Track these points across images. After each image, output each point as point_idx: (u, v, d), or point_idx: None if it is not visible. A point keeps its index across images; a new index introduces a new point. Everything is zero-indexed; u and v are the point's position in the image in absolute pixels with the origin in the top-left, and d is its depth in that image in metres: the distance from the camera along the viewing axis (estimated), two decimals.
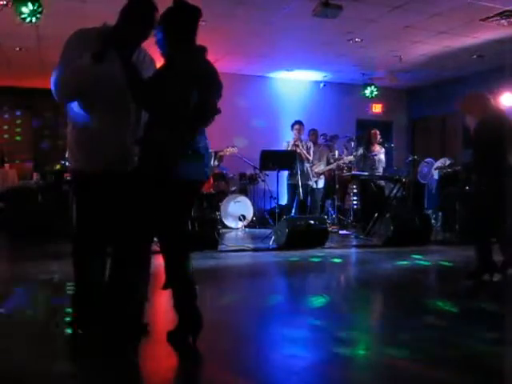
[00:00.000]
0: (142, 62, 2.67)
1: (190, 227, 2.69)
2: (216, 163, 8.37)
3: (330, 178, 8.87)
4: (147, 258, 2.67)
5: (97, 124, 2.55)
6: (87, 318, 2.66)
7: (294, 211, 8.05)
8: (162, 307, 3.39)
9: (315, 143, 8.45)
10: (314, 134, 8.55)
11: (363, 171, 8.02)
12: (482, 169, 4.71)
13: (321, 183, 8.35)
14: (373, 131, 8.32)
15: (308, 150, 8.15)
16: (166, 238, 2.61)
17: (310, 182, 8.06)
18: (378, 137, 8.31)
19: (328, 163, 8.54)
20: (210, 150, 2.71)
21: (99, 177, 2.57)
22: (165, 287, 2.58)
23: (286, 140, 8.19)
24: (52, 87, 2.51)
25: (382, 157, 8.25)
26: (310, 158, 8.11)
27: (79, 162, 2.63)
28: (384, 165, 8.31)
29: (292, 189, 7.98)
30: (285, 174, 8.02)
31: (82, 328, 2.67)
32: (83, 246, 2.67)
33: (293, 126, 8.09)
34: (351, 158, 8.67)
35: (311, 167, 8.11)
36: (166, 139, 2.42)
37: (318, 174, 8.27)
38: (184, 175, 2.47)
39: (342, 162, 8.70)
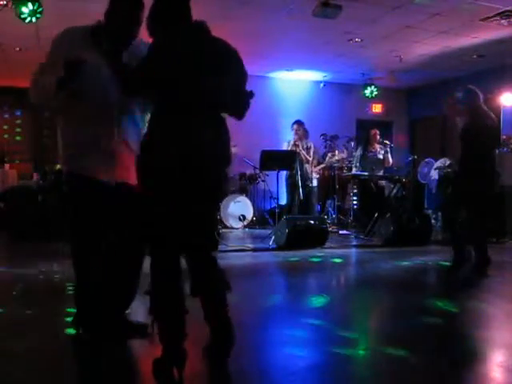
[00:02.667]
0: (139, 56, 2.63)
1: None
2: None
3: (329, 177, 8.88)
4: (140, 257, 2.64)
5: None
6: (89, 317, 2.65)
7: (294, 211, 8.06)
8: None
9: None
10: (298, 128, 8.43)
11: (363, 171, 8.02)
12: (463, 169, 4.83)
13: (314, 182, 8.36)
14: (372, 131, 8.32)
15: (308, 150, 8.16)
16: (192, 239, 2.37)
17: (310, 183, 8.07)
18: (378, 137, 8.31)
19: (318, 163, 8.56)
20: None
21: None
22: (193, 294, 2.36)
23: (287, 140, 8.20)
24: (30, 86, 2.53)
25: (382, 156, 8.24)
26: (310, 159, 8.11)
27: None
28: (389, 164, 8.28)
29: (292, 189, 7.99)
30: (284, 174, 8.03)
31: (85, 328, 2.66)
32: (81, 245, 2.65)
33: (292, 125, 8.11)
34: (343, 155, 8.68)
35: (310, 167, 8.12)
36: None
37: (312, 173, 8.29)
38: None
39: (334, 159, 8.69)
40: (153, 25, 2.36)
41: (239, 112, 2.45)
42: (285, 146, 8.08)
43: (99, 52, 2.51)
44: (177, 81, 2.21)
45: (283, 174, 7.97)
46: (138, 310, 3.08)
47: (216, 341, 2.37)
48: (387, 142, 8.44)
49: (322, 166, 8.67)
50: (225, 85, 2.32)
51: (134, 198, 2.38)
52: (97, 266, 2.62)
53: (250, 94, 2.43)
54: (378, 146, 8.28)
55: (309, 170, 8.10)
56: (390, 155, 8.26)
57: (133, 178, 2.37)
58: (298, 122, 8.11)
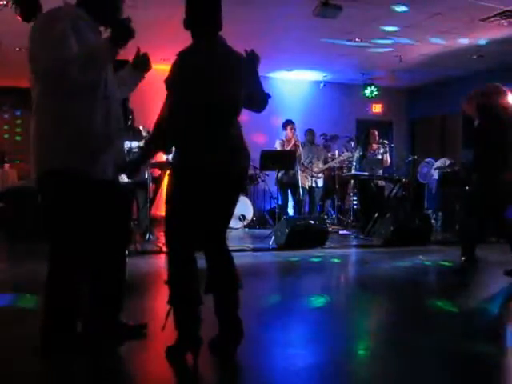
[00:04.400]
0: None
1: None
2: None
3: (330, 177, 8.87)
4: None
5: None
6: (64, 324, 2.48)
7: (292, 211, 8.06)
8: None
9: (312, 143, 8.44)
10: (310, 133, 8.52)
11: (363, 171, 8.02)
12: (481, 166, 4.75)
13: (320, 182, 8.36)
14: (371, 131, 8.32)
15: (305, 149, 8.15)
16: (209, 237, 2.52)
17: (308, 182, 8.06)
18: (377, 137, 8.30)
19: (325, 162, 8.54)
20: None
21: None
22: (206, 291, 2.48)
23: (280, 138, 8.15)
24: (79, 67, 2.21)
25: (381, 156, 8.24)
26: (303, 159, 8.09)
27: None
28: (387, 164, 8.28)
29: (283, 188, 7.95)
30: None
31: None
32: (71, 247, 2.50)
33: (286, 125, 8.08)
34: (349, 154, 8.67)
35: (308, 167, 8.10)
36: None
37: (317, 174, 8.27)
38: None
39: (340, 158, 8.69)
40: (190, 28, 2.51)
41: (258, 109, 2.72)
42: (278, 145, 8.03)
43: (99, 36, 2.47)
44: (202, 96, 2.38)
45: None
46: (135, 312, 3.08)
47: (223, 337, 2.47)
48: (386, 142, 8.44)
49: (329, 165, 8.62)
50: (240, 94, 2.50)
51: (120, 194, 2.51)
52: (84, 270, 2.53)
53: (268, 95, 2.68)
54: (376, 146, 8.28)
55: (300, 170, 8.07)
56: (388, 155, 8.25)
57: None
58: (293, 122, 8.09)
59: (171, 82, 2.42)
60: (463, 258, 5.06)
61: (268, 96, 2.67)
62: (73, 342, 2.46)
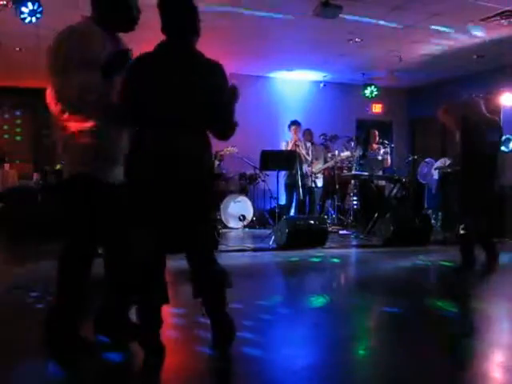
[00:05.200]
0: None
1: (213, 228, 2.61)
2: (217, 163, 8.37)
3: (330, 177, 8.88)
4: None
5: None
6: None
7: (293, 211, 8.06)
8: None
9: (311, 143, 8.45)
10: (309, 133, 8.53)
11: (363, 171, 8.03)
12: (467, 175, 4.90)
13: (319, 182, 8.36)
14: (371, 131, 8.32)
15: (307, 150, 8.17)
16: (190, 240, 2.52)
17: (309, 182, 8.08)
18: (377, 137, 8.31)
19: (325, 162, 8.55)
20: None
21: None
22: (195, 296, 2.52)
23: (285, 139, 8.19)
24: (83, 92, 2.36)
25: (381, 157, 8.24)
26: (309, 159, 8.12)
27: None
28: (388, 164, 8.29)
29: (290, 189, 7.99)
30: (283, 174, 8.02)
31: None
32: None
33: (290, 126, 8.11)
34: (348, 153, 8.67)
35: (309, 167, 8.12)
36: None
37: (316, 173, 8.28)
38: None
39: (339, 158, 8.70)
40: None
41: (219, 133, 2.53)
42: (283, 146, 8.08)
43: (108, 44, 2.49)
44: (155, 99, 2.36)
45: (282, 174, 7.96)
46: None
47: (216, 336, 2.51)
48: (386, 142, 8.44)
49: (328, 164, 8.63)
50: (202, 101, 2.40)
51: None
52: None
53: (236, 123, 2.50)
54: (376, 147, 8.28)
55: (307, 171, 8.10)
56: (389, 156, 8.26)
57: None
58: (297, 123, 8.12)
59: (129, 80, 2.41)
60: (463, 259, 5.04)
61: (235, 125, 2.51)
62: (77, 342, 2.50)
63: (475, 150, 4.86)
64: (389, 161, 8.24)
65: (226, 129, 2.51)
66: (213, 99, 2.41)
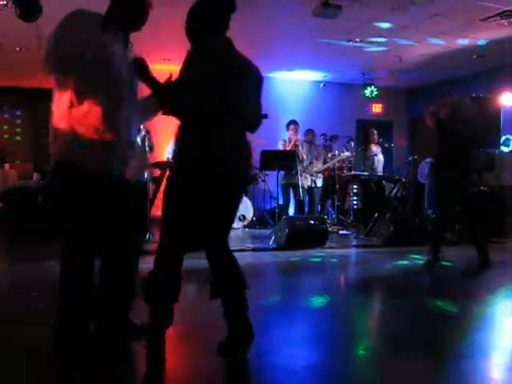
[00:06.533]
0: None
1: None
2: None
3: (330, 177, 8.87)
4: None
5: None
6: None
7: (293, 211, 8.05)
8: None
9: (312, 143, 8.44)
10: (310, 133, 8.52)
11: (363, 171, 8.03)
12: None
13: (319, 182, 8.36)
14: (371, 130, 8.32)
15: (307, 150, 8.16)
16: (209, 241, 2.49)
17: (307, 182, 8.07)
18: (376, 137, 8.31)
19: (325, 162, 8.55)
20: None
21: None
22: (212, 297, 2.49)
23: (282, 138, 8.17)
24: None
25: (381, 157, 8.25)
26: (306, 158, 8.10)
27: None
28: (382, 164, 8.29)
29: (287, 189, 7.97)
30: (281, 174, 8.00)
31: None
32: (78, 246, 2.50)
33: (288, 125, 8.09)
34: (348, 154, 8.67)
35: (308, 167, 8.11)
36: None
37: (316, 174, 8.27)
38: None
39: (339, 158, 8.69)
40: (195, 33, 2.46)
41: (252, 126, 2.60)
42: (280, 145, 8.05)
43: (118, 42, 2.45)
44: (223, 94, 2.31)
45: (281, 174, 7.94)
46: (140, 311, 3.07)
47: (234, 339, 2.46)
48: (384, 142, 8.46)
49: (329, 165, 8.63)
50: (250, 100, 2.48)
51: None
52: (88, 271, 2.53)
53: (264, 116, 2.64)
54: (375, 147, 8.28)
55: (301, 170, 8.08)
56: (381, 154, 8.26)
57: None
58: (296, 122, 8.11)
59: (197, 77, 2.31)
60: (482, 255, 5.14)
61: (265, 116, 2.63)
62: (83, 342, 2.47)
63: (448, 153, 5.20)
64: (381, 159, 8.25)
65: (259, 122, 2.62)
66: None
